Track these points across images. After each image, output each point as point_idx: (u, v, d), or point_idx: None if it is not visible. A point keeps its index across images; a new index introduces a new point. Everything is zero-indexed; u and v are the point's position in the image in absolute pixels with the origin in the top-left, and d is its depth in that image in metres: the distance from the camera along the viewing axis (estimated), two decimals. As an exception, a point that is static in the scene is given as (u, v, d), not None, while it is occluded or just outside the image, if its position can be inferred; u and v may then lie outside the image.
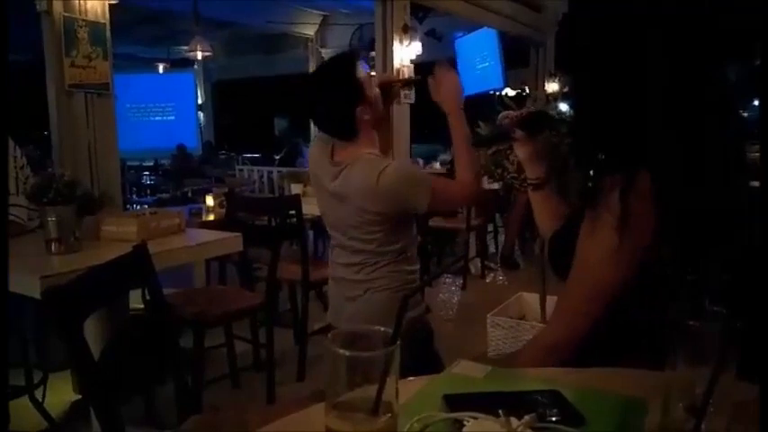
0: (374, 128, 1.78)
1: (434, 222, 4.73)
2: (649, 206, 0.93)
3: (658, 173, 0.93)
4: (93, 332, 2.15)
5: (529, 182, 1.37)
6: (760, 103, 0.92)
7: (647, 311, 0.98)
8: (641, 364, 0.85)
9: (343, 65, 1.75)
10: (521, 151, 1.36)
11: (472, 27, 8.04)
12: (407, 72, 1.39)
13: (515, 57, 8.42)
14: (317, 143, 1.93)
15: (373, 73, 1.79)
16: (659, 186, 0.93)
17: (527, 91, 8.77)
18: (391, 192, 1.65)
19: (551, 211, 1.32)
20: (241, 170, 9.23)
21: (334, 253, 1.88)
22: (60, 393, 2.63)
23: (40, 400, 2.39)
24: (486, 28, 7.73)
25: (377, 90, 1.75)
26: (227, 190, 4.40)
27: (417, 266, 1.82)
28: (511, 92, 8.55)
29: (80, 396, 2.63)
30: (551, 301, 2.54)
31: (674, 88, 0.96)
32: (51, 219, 2.05)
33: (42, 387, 2.44)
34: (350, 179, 1.69)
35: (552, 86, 7.93)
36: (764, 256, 0.72)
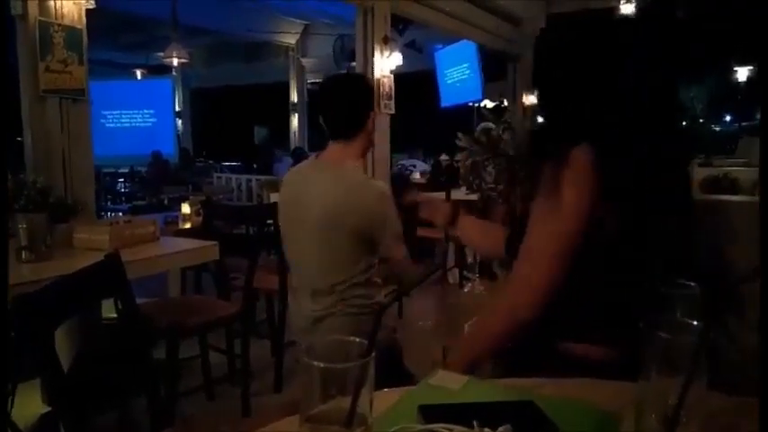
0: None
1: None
2: (586, 177, 1.02)
3: (601, 146, 1.03)
4: (63, 342, 2.11)
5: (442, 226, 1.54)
6: (761, 104, 0.96)
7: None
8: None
9: (368, 85, 2.00)
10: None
11: (452, 39, 8.12)
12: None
13: (494, 70, 8.52)
14: (296, 171, 1.99)
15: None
16: (601, 157, 1.02)
17: (505, 103, 8.88)
18: (379, 214, 1.76)
19: (483, 233, 1.47)
20: (219, 178, 9.17)
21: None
22: (29, 405, 2.56)
23: (8, 411, 2.32)
24: (465, 41, 7.82)
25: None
26: (204, 198, 4.36)
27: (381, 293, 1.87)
28: (489, 104, 8.64)
29: (49, 408, 2.57)
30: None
31: (628, 91, 1.11)
32: (22, 226, 2.01)
33: (10, 398, 2.37)
34: (342, 191, 1.77)
35: (530, 99, 8.03)
36: (764, 259, 0.74)
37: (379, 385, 0.72)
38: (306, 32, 9.66)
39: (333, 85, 1.93)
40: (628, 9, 6.03)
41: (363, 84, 2.00)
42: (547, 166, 1.08)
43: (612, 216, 1.03)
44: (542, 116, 1.28)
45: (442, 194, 4.00)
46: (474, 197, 3.12)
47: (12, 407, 2.34)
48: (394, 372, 1.76)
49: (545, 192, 1.07)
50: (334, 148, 1.86)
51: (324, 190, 1.77)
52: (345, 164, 1.81)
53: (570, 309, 1.05)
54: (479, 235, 1.54)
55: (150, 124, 11.12)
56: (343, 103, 1.89)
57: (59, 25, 2.82)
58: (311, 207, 1.77)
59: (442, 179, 5.92)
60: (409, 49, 8.40)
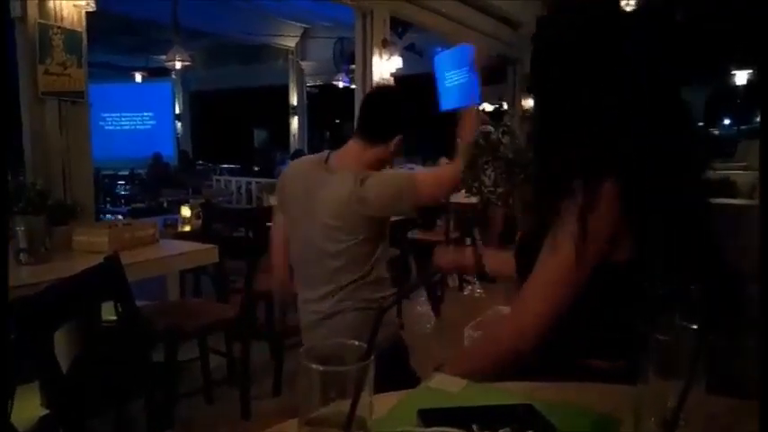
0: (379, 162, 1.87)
1: (413, 235, 4.74)
2: (608, 212, 0.97)
3: (627, 180, 0.97)
4: (62, 345, 2.10)
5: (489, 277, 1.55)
6: (760, 104, 0.95)
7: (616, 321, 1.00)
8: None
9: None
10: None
11: (451, 42, 8.13)
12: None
13: (493, 73, 8.51)
14: (301, 164, 1.95)
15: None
16: (629, 193, 0.97)
17: (504, 107, 8.89)
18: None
19: (508, 263, 1.39)
20: (218, 181, 9.16)
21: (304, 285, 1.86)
22: (27, 408, 2.55)
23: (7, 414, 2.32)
24: (464, 44, 7.81)
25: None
26: (203, 200, 4.36)
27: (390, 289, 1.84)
28: (488, 107, 8.64)
29: (48, 411, 2.56)
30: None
31: (636, 100, 1.02)
32: (21, 229, 2.01)
33: (9, 401, 2.36)
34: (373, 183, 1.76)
35: (528, 103, 8.05)
36: (764, 263, 0.74)
37: (384, 383, 0.73)
38: (305, 35, 9.67)
39: (389, 88, 1.97)
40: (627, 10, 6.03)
41: (415, 104, 2.06)
42: (566, 200, 1.00)
43: (629, 239, 0.99)
44: (546, 134, 1.16)
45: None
46: (473, 200, 3.13)
47: (11, 410, 2.33)
48: (399, 370, 1.76)
49: (563, 224, 1.00)
50: (351, 148, 1.84)
51: (334, 190, 1.75)
52: (355, 169, 1.77)
53: (580, 328, 1.03)
54: (506, 267, 1.52)
55: (150, 127, 11.13)
56: (388, 103, 1.98)
57: (59, 28, 2.83)
58: (321, 204, 1.74)
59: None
60: (409, 52, 8.40)
